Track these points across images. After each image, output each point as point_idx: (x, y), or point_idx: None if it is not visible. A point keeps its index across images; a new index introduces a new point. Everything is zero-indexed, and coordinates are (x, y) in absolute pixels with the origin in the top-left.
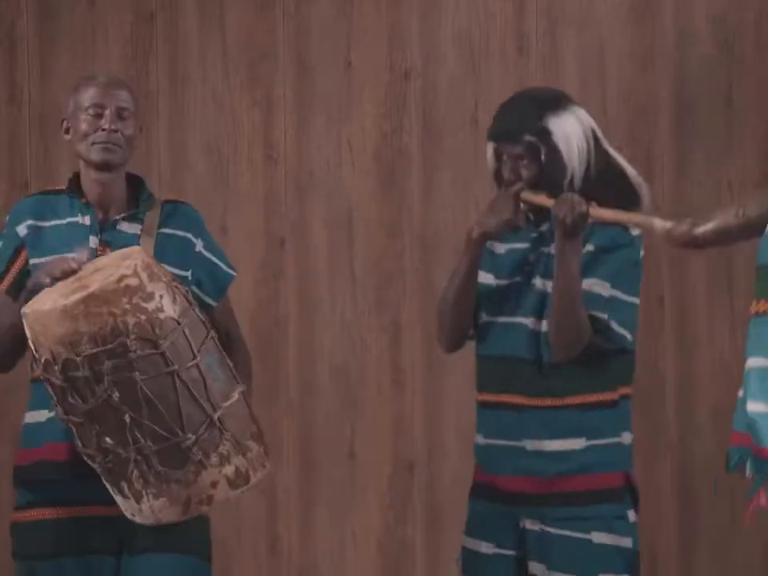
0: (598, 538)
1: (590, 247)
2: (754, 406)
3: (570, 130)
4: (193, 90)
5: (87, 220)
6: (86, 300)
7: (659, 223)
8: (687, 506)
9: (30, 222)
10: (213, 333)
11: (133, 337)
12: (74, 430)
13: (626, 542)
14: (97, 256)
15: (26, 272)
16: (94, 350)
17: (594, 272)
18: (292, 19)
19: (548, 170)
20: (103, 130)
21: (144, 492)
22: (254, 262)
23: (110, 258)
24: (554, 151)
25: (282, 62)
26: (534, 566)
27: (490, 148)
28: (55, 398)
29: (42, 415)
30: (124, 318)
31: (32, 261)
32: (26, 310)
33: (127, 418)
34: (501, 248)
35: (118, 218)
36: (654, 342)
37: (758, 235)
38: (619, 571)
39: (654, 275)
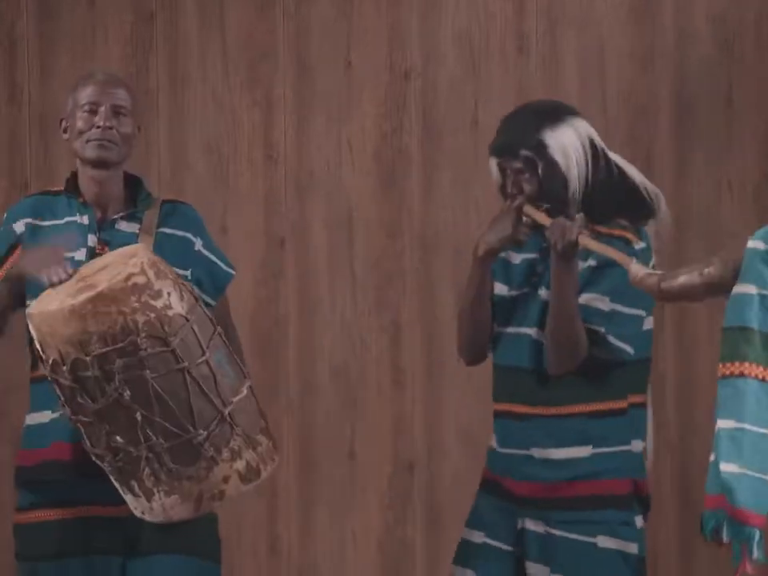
0: (604, 542)
1: (591, 262)
2: (726, 467)
3: (568, 142)
4: (193, 90)
5: (86, 219)
6: (94, 299)
7: (635, 268)
8: (687, 506)
9: (27, 220)
10: (219, 329)
11: (143, 335)
12: (83, 430)
13: (632, 548)
14: (96, 255)
15: None
16: (105, 350)
17: (596, 287)
18: (292, 19)
19: (547, 184)
20: (98, 127)
21: (155, 490)
22: (253, 262)
23: (114, 256)
24: (551, 165)
25: (282, 62)
26: (534, 567)
27: (492, 163)
28: (63, 399)
29: (44, 416)
30: (134, 317)
31: None
32: (32, 311)
33: (139, 416)
34: (516, 258)
35: (116, 217)
36: (654, 342)
37: (725, 294)
38: None
39: None
